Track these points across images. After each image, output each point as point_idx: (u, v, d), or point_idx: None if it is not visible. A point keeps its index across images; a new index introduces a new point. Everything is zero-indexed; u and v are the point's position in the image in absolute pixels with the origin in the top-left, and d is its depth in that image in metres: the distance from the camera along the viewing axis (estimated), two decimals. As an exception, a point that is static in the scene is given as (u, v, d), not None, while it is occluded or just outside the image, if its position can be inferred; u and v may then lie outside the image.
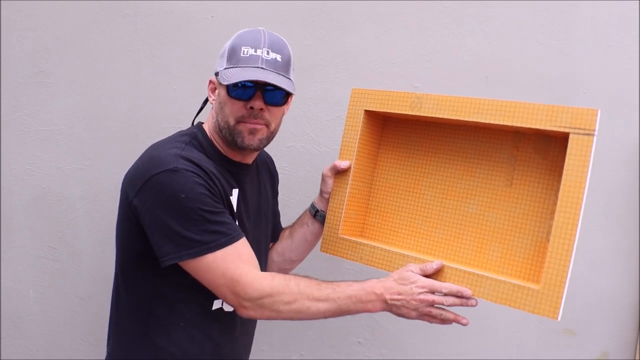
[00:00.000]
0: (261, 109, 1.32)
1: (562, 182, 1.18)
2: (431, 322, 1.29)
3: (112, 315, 1.44)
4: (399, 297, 1.26)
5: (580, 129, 1.18)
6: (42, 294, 2.13)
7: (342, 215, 1.46)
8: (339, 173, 1.49)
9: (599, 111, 1.18)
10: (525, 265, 1.31)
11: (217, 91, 1.38)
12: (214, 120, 1.38)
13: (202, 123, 1.45)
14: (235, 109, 1.33)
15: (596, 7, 1.89)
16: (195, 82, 2.00)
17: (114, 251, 1.45)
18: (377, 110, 1.45)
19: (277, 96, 1.35)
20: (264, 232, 1.53)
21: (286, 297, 1.25)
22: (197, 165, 1.27)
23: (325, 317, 1.29)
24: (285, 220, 1.73)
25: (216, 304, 1.37)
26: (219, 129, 1.37)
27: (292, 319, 1.29)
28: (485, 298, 1.26)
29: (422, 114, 1.37)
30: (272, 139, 1.41)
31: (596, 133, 1.18)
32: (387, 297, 1.27)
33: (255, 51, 1.32)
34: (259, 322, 1.62)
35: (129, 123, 2.04)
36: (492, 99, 1.28)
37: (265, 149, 1.51)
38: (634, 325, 1.97)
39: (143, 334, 1.35)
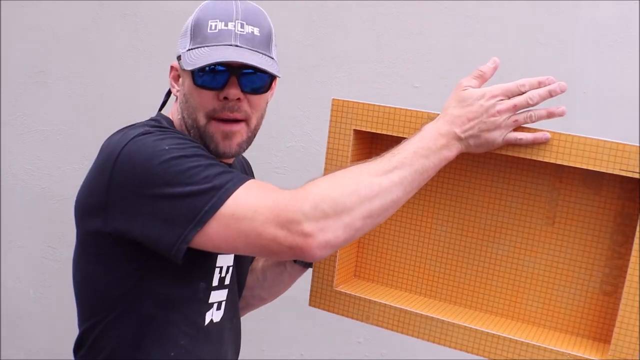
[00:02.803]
0: (238, 99, 1.03)
1: (637, 238, 0.93)
2: (522, 142, 0.98)
3: None
4: (473, 123, 0.96)
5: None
6: (42, 294, 2.13)
7: (336, 265, 1.15)
8: None
9: None
10: (571, 319, 1.08)
11: (180, 79, 1.11)
12: (179, 116, 1.10)
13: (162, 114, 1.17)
14: (204, 101, 1.04)
15: (596, 7, 1.89)
16: (195, 82, 2.00)
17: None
18: (374, 131, 1.10)
19: (258, 80, 1.05)
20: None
21: (344, 186, 0.91)
22: (174, 128, 1.04)
23: (406, 190, 0.94)
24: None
25: (207, 317, 1.12)
26: (186, 129, 1.08)
27: (371, 213, 0.91)
28: None
29: None
30: (254, 138, 1.11)
31: None
32: (458, 131, 0.95)
33: (226, 25, 1.04)
34: (258, 321, 1.61)
35: (129, 123, 2.04)
36: (535, 128, 1.02)
37: (261, 148, 1.33)
38: (634, 325, 1.97)
39: None
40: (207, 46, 1.03)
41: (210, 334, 1.13)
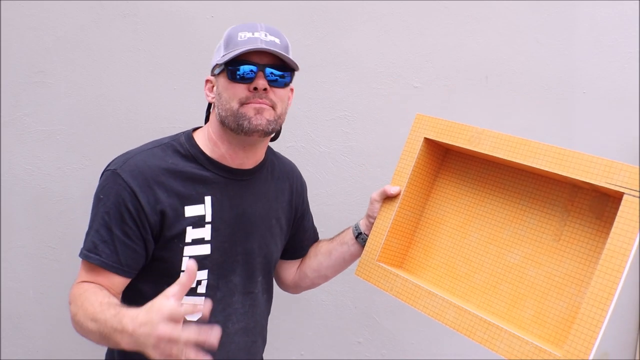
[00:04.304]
0: (265, 89, 1.29)
1: (607, 245, 1.07)
2: None
3: None
4: (143, 329, 1.03)
5: (636, 191, 1.06)
6: (42, 294, 2.13)
7: (382, 242, 1.40)
8: (388, 198, 1.41)
9: None
10: (557, 329, 1.20)
11: (215, 88, 1.36)
12: (216, 117, 1.35)
13: (198, 128, 1.43)
14: (237, 92, 1.29)
15: (596, 7, 1.90)
16: (195, 82, 2.00)
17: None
18: (436, 140, 1.37)
19: (280, 75, 1.31)
20: (266, 243, 1.46)
21: (73, 307, 1.24)
22: (141, 173, 1.29)
23: (97, 341, 1.16)
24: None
25: None
26: (222, 122, 1.32)
27: (83, 335, 1.21)
28: (502, 354, 1.15)
29: (478, 150, 1.30)
30: (280, 125, 1.35)
31: None
32: (131, 328, 1.05)
33: (253, 34, 1.29)
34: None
35: (129, 123, 2.04)
36: (552, 145, 1.19)
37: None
38: (634, 325, 1.97)
39: None
40: (238, 49, 1.28)
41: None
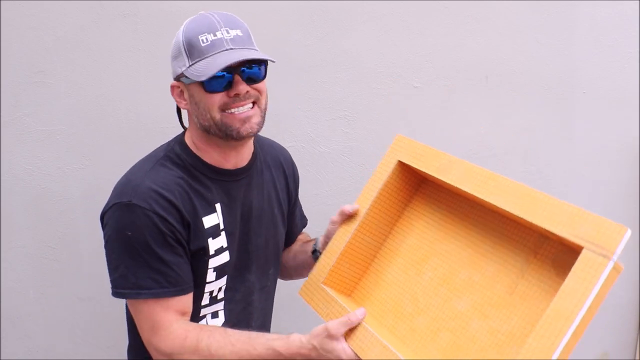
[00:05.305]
0: (247, 92, 1.23)
1: (552, 305, 0.93)
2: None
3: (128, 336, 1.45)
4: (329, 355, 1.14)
5: (597, 246, 0.92)
6: (42, 294, 2.13)
7: (332, 265, 1.29)
8: (348, 220, 1.32)
9: (629, 232, 0.92)
10: None
11: (185, 94, 1.29)
12: (197, 126, 1.29)
13: (184, 132, 1.38)
14: (215, 100, 1.22)
15: (596, 7, 1.90)
16: (195, 82, 2.00)
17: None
18: (409, 164, 1.26)
19: (257, 71, 1.24)
20: (272, 234, 1.46)
21: (194, 357, 1.22)
22: (158, 194, 1.23)
23: None
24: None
25: (202, 321, 1.37)
26: (206, 130, 1.27)
27: None
28: None
29: (445, 180, 1.17)
30: (265, 116, 1.31)
31: (615, 258, 0.91)
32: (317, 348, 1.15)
33: (215, 35, 1.20)
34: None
35: (129, 123, 2.04)
36: (522, 185, 1.05)
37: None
38: (634, 325, 1.97)
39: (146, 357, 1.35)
40: (206, 57, 1.20)
41: None
